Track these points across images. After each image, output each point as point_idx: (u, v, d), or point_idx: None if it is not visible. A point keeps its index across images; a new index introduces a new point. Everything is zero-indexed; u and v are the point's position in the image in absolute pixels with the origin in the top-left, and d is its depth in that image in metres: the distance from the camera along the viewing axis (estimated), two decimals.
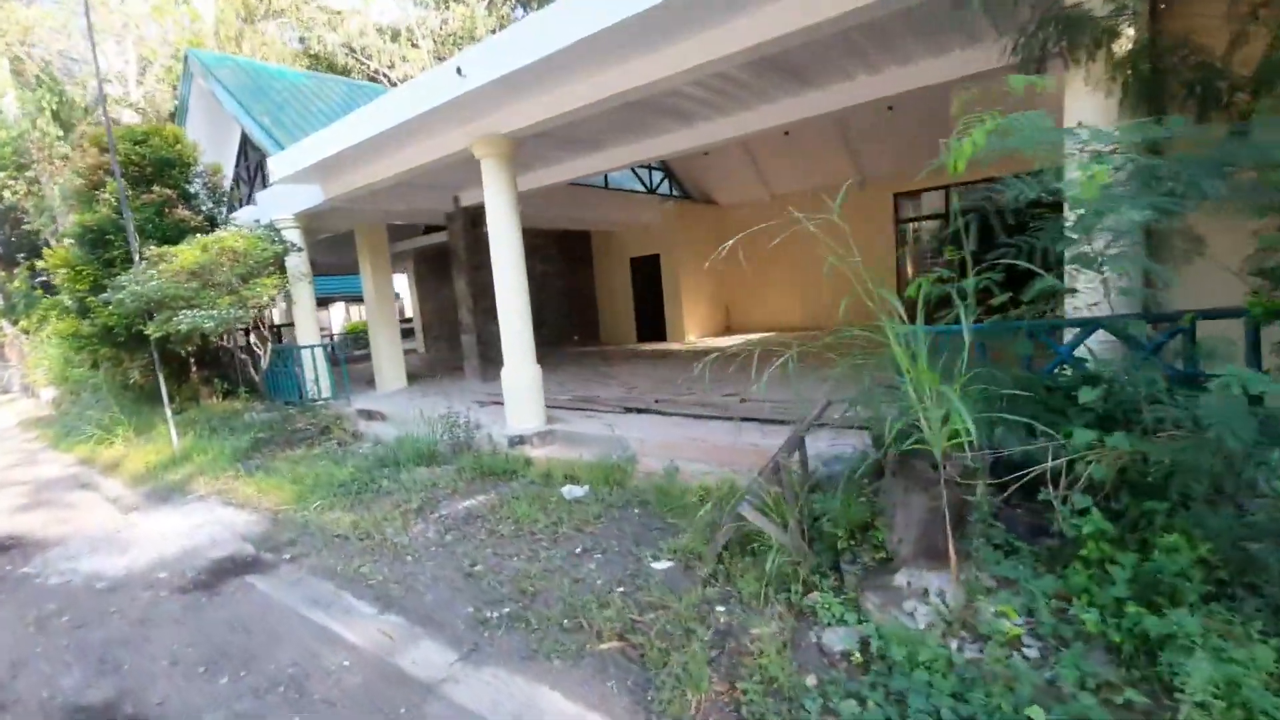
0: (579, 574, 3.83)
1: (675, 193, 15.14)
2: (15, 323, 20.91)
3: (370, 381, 10.97)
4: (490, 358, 10.62)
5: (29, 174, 16.11)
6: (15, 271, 19.98)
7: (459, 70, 5.47)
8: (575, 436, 6.37)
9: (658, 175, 14.76)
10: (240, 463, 7.56)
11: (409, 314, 28.88)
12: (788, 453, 4.37)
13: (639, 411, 6.86)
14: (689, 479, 5.12)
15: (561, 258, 15.72)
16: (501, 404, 8.19)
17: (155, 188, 8.95)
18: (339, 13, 23.64)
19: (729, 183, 14.92)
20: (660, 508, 4.74)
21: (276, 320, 13.41)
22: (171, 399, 10.63)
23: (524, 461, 6.12)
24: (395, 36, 23.17)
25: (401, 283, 25.19)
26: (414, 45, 22.90)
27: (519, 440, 6.43)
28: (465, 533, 4.69)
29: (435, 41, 23.01)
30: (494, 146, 6.37)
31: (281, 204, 9.54)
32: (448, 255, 16.65)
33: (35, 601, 4.29)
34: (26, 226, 24.99)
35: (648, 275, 15.30)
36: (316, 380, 9.34)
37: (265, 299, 8.19)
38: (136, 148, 9.00)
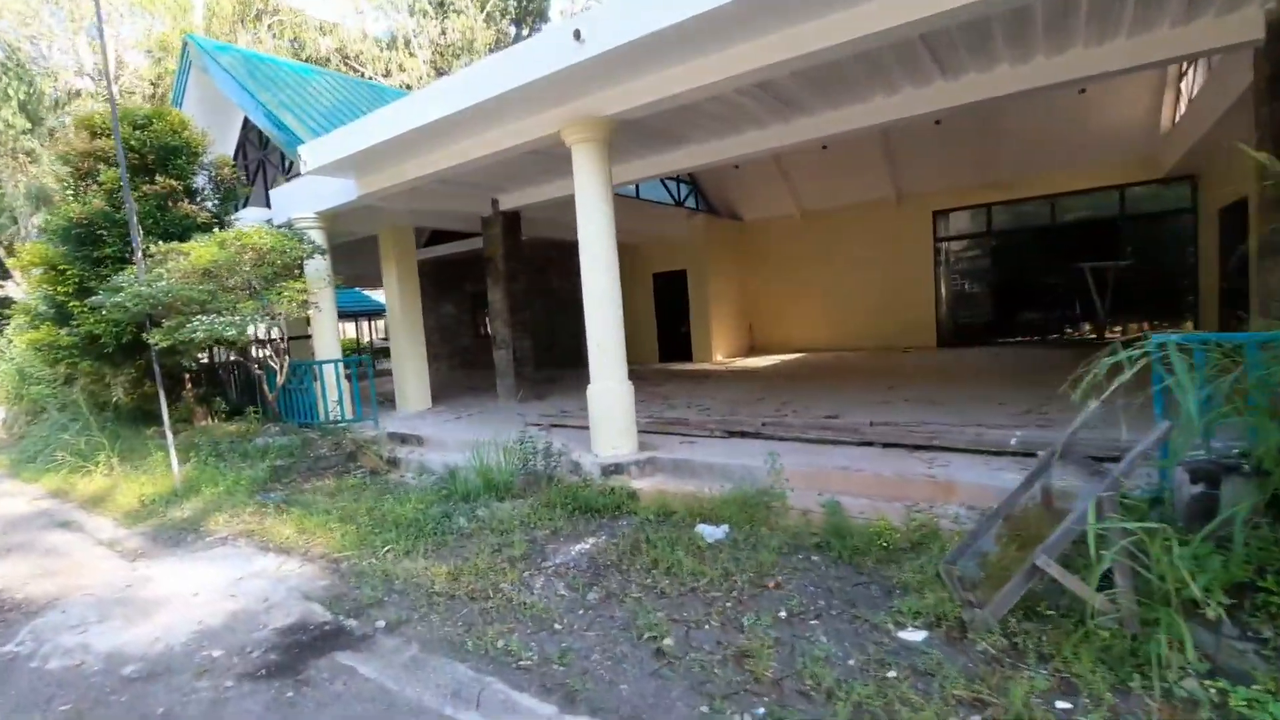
0: (811, 649, 2.90)
1: (700, 207, 14.46)
2: None
3: (385, 402, 9.81)
4: (525, 375, 9.63)
5: None
6: None
7: (577, 34, 4.62)
8: (683, 465, 5.44)
9: (681, 187, 14.07)
10: (259, 495, 6.39)
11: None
12: (1026, 486, 3.57)
13: (744, 435, 5.97)
14: (856, 517, 4.26)
15: (575, 272, 14.80)
16: (563, 426, 7.26)
17: (158, 178, 7.80)
18: (333, 26, 22.64)
19: (757, 198, 14.32)
20: (844, 553, 3.85)
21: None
22: (159, 420, 9.31)
23: (627, 495, 5.16)
24: (392, 43, 22.25)
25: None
26: (411, 54, 22.00)
27: (614, 469, 5.47)
28: (608, 589, 3.71)
29: (435, 52, 22.18)
30: (591, 130, 5.51)
31: (301, 201, 8.45)
32: (452, 268, 15.63)
33: (35, 701, 3.12)
34: None
35: (672, 292, 14.50)
36: (340, 401, 8.18)
37: (293, 305, 7.07)
38: (137, 133, 7.84)
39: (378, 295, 22.71)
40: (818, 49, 4.54)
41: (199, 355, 8.84)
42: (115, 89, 16.41)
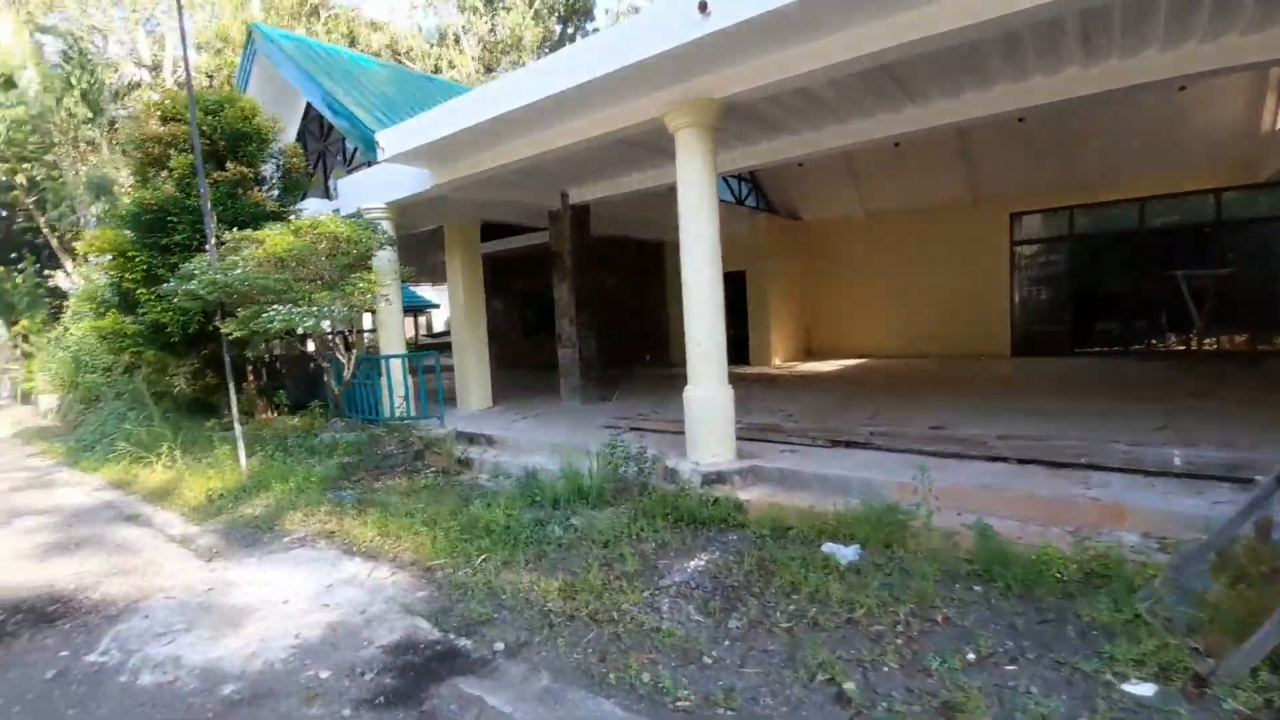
0: (1026, 703, 2.46)
1: (758, 206, 13.99)
2: (13, 323, 19.26)
3: (444, 399, 9.52)
4: (592, 376, 9.27)
5: (49, 158, 14.67)
6: (20, 268, 18.45)
7: (703, 6, 4.23)
8: (790, 476, 5.00)
9: (739, 186, 13.62)
10: (331, 493, 6.11)
11: (438, 328, 27.48)
12: (1245, 516, 3.08)
13: (850, 446, 5.51)
14: (1011, 541, 3.79)
15: (629, 270, 14.37)
16: (642, 430, 6.88)
17: (228, 165, 7.61)
18: (384, 24, 22.69)
19: (819, 197, 13.79)
20: (1012, 584, 3.39)
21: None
22: (219, 412, 9.16)
23: (733, 506, 4.75)
24: (441, 40, 22.21)
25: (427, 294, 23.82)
26: (460, 51, 21.93)
27: (715, 478, 5.05)
28: (748, 615, 3.29)
29: (484, 49, 22.09)
30: (699, 114, 5.12)
31: (371, 191, 8.21)
32: (503, 265, 15.38)
33: None
34: (20, 225, 23.46)
35: (729, 294, 13.99)
36: (406, 397, 7.90)
37: (366, 297, 6.80)
38: (208, 118, 7.67)
39: (423, 291, 22.66)
40: (961, 26, 4.10)
41: (262, 347, 8.66)
42: (173, 79, 16.55)
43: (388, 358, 7.92)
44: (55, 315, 18.72)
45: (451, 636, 3.32)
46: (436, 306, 22.99)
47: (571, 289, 9.07)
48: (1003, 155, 11.31)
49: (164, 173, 7.84)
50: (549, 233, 9.31)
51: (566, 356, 9.24)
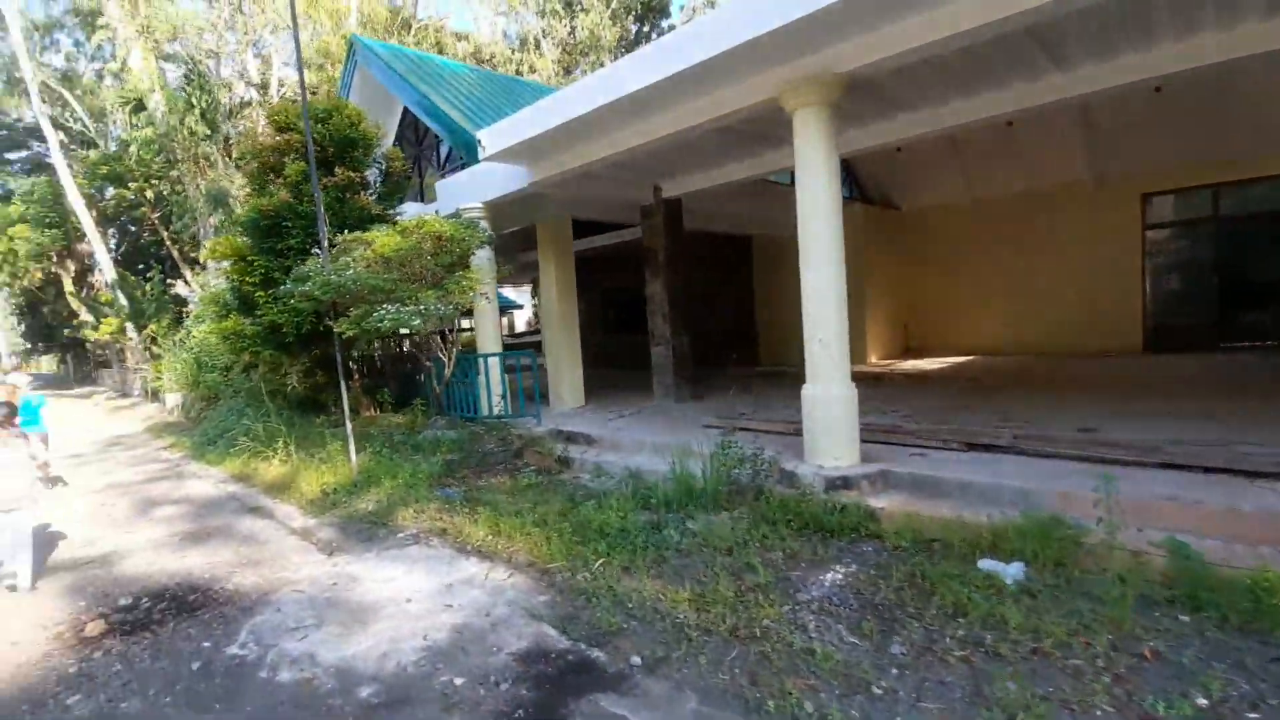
0: None
1: (852, 195, 13.33)
2: (143, 328, 21.01)
3: (532, 398, 9.52)
4: (685, 375, 9.03)
5: (173, 174, 15.85)
6: (149, 276, 20.10)
7: None
8: (925, 482, 4.57)
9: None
10: (438, 490, 6.14)
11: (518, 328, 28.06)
12: None
13: (989, 450, 5.01)
14: (1214, 563, 3.25)
15: (715, 266, 14.00)
16: (747, 430, 6.55)
17: (337, 170, 7.86)
18: (467, 34, 23.34)
19: (920, 184, 13.01)
20: (1230, 616, 2.88)
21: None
22: (327, 410, 9.51)
23: (864, 514, 4.37)
24: (522, 45, 22.64)
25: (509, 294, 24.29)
26: (540, 55, 22.27)
27: (841, 483, 4.69)
28: (911, 639, 2.94)
29: (563, 51, 22.33)
30: (819, 92, 4.77)
31: (468, 191, 8.30)
32: (585, 264, 15.38)
33: None
34: (147, 239, 25.59)
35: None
36: (505, 396, 7.92)
37: (469, 295, 6.83)
38: (318, 126, 7.95)
39: (504, 291, 23.11)
40: None
41: (366, 347, 8.92)
42: (279, 95, 17.59)
43: (485, 356, 7.96)
44: (178, 320, 20.31)
45: (582, 646, 3.14)
46: (520, 307, 23.41)
47: (665, 285, 8.85)
48: (1133, 130, 10.25)
49: (278, 180, 8.19)
50: (641, 228, 9.13)
51: (660, 355, 9.02)
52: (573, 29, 22.61)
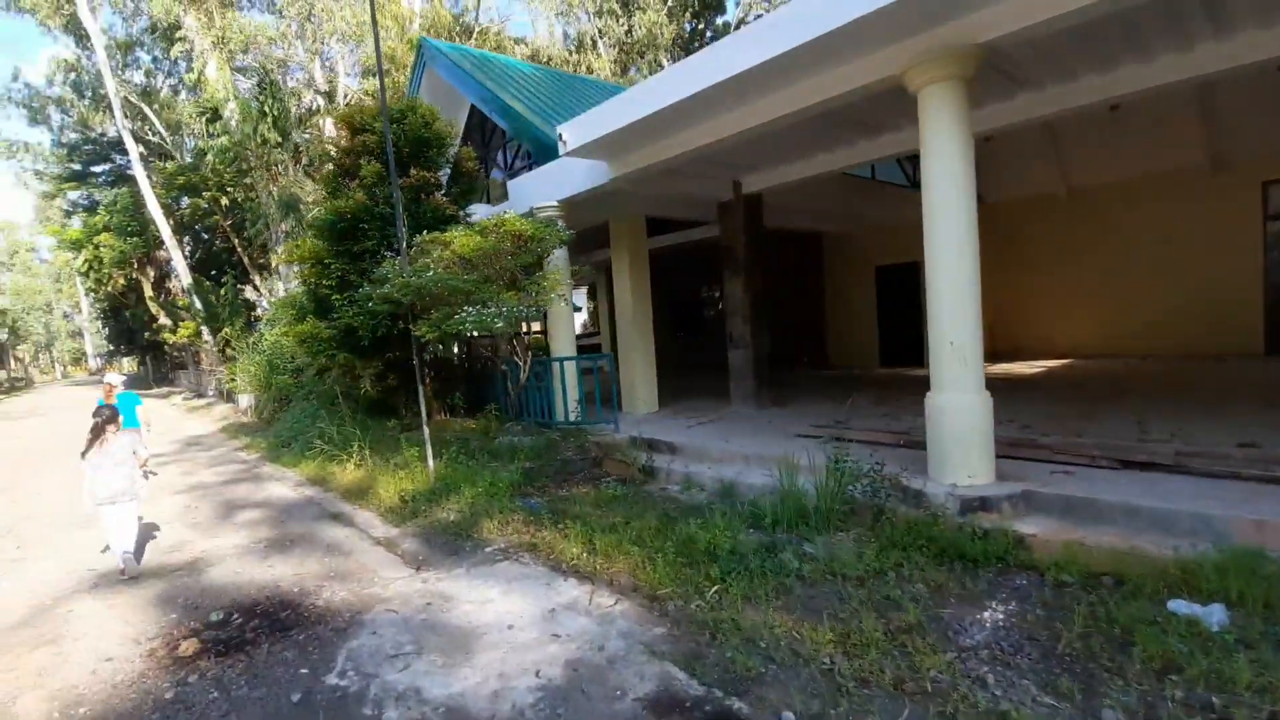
0: None
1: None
2: (217, 330, 21.76)
3: (609, 403, 9.22)
4: (765, 380, 8.57)
5: (246, 181, 16.27)
6: (223, 281, 20.81)
7: None
8: (1081, 506, 4.02)
9: (911, 168, 12.31)
10: (519, 500, 5.88)
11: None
12: None
13: (1146, 468, 4.41)
14: None
15: (784, 265, 13.42)
16: (845, 440, 6.05)
17: (412, 170, 7.73)
18: (522, 38, 23.38)
19: (1008, 175, 12.14)
20: None
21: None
22: (398, 413, 9.43)
23: (1010, 541, 3.86)
24: (580, 46, 22.55)
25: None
26: (598, 55, 22.13)
27: (979, 505, 4.18)
28: (1127, 706, 2.45)
29: (620, 51, 22.13)
30: (952, 66, 4.28)
31: (543, 190, 8.06)
32: (652, 263, 15.08)
33: None
34: (219, 245, 26.59)
35: (899, 287, 12.81)
36: (581, 401, 7.64)
37: (550, 296, 6.57)
38: (393, 126, 7.82)
39: None
40: None
41: (440, 350, 8.80)
42: (345, 103, 17.89)
43: (562, 360, 7.69)
44: (248, 324, 20.99)
45: (718, 694, 2.76)
46: (579, 309, 23.28)
47: (745, 286, 8.42)
48: (1257, 111, 9.27)
49: (353, 183, 8.12)
50: (719, 226, 8.72)
51: (738, 358, 8.59)
52: (630, 28, 22.38)
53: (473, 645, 3.38)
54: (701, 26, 29.76)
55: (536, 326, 11.00)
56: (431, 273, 6.06)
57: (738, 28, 29.26)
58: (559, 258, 7.65)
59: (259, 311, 23.18)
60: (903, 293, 12.79)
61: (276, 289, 25.02)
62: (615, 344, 9.49)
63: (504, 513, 5.49)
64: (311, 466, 8.50)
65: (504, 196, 9.36)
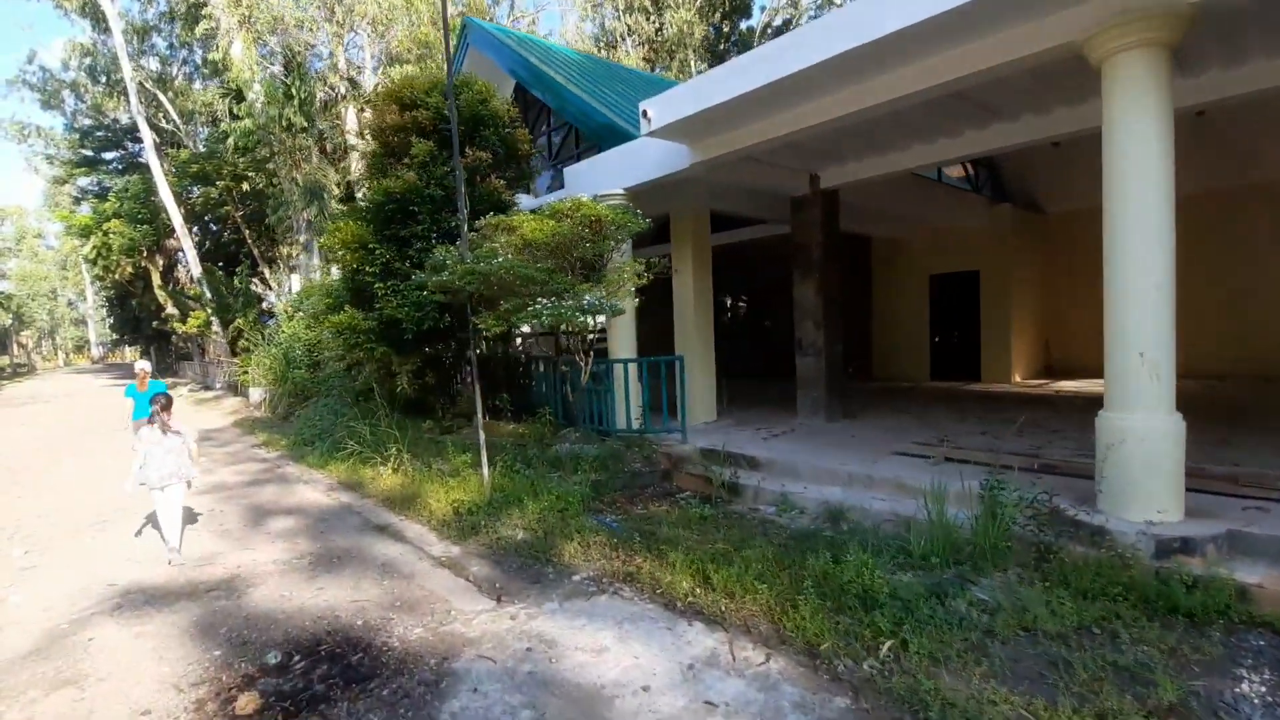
0: None
1: (989, 194, 11.94)
2: (228, 322, 21.13)
3: (675, 410, 8.55)
4: (837, 390, 7.91)
5: (269, 167, 15.65)
6: (236, 271, 20.19)
7: None
8: None
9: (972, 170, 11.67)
10: (593, 517, 5.21)
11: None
12: None
13: None
14: None
15: (847, 268, 12.64)
16: (965, 463, 5.40)
17: (467, 150, 7.08)
18: (550, 32, 22.82)
19: (1076, 182, 11.48)
20: None
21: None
22: (434, 414, 8.77)
23: (1229, 591, 3.20)
24: (610, 43, 21.99)
25: None
26: (627, 53, 21.57)
27: (1180, 545, 3.51)
28: None
29: (650, 49, 21.58)
30: (1155, 28, 3.64)
31: (604, 178, 7.41)
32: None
33: None
34: (228, 237, 26.00)
35: (954, 297, 12.15)
36: (645, 406, 6.97)
37: (630, 287, 5.93)
38: (447, 102, 7.18)
39: None
40: None
41: (490, 347, 8.15)
42: (372, 90, 17.26)
43: (626, 362, 7.03)
44: (261, 317, 20.38)
45: None
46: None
47: (818, 288, 7.77)
48: None
49: (399, 164, 7.48)
50: (791, 222, 8.07)
51: (808, 366, 7.93)
52: (660, 26, 21.86)
53: (606, 715, 2.70)
54: (727, 30, 29.29)
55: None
56: (501, 259, 5.40)
57: (763, 34, 28.86)
58: (623, 251, 6.99)
59: (266, 305, 22.58)
60: (958, 302, 12.13)
61: (287, 283, 24.44)
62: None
63: (581, 533, 4.82)
64: (341, 469, 7.83)
65: (554, 185, 8.71)
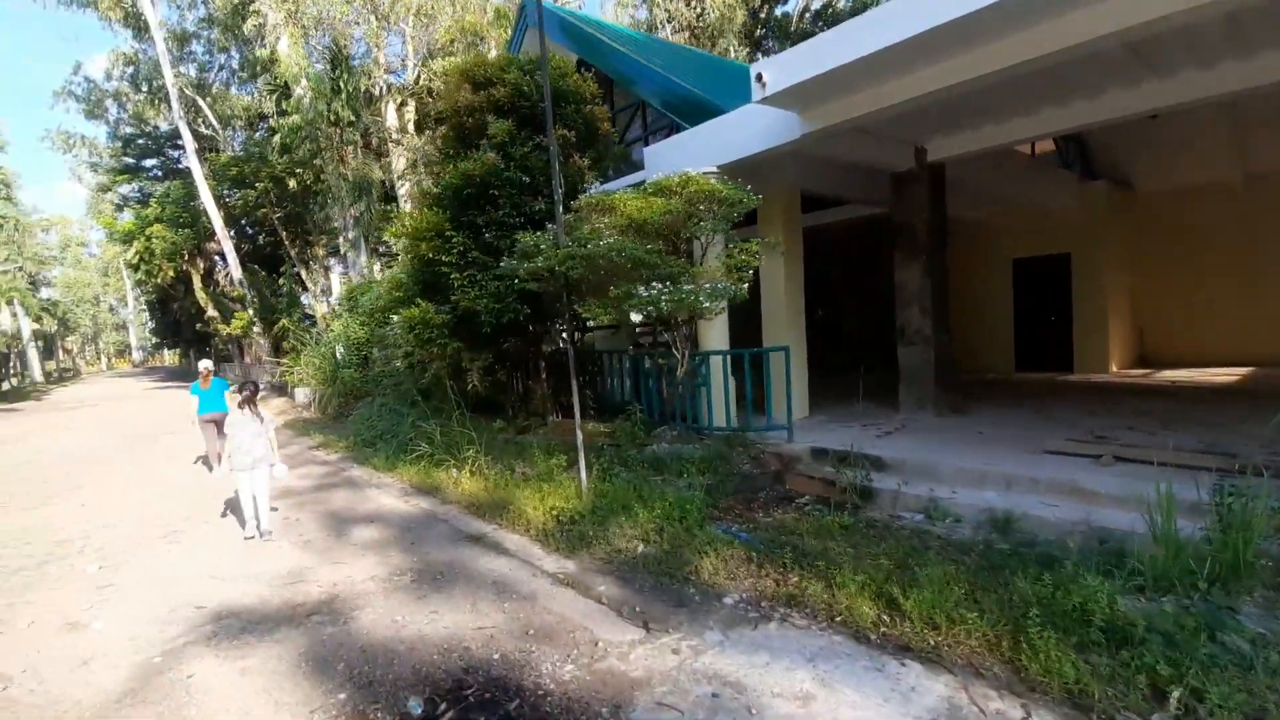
0: None
1: (1082, 171, 11.09)
2: (272, 323, 21.03)
3: (751, 406, 7.95)
4: (947, 382, 7.25)
5: (316, 162, 15.38)
6: (282, 270, 20.07)
7: None
8: None
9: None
10: (717, 528, 4.65)
11: None
12: None
13: None
14: None
15: (885, 255, 11.83)
16: (1135, 462, 4.72)
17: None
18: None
19: (1172, 157, 10.64)
20: None
21: None
22: (504, 412, 8.31)
23: None
24: (651, 29, 21.42)
25: None
26: (667, 39, 20.95)
27: None
28: None
29: (690, 35, 20.95)
30: None
31: (694, 156, 6.78)
32: None
33: None
34: (264, 240, 25.98)
35: (1041, 283, 11.35)
36: (748, 401, 6.39)
37: (749, 271, 5.36)
38: (525, 77, 6.70)
39: None
40: None
41: (561, 339, 7.64)
42: (416, 85, 16.93)
43: (725, 353, 6.45)
44: (304, 317, 20.27)
45: None
46: (746, 297, 22.00)
47: (926, 270, 7.11)
48: None
49: (473, 148, 6.98)
50: (893, 199, 7.42)
51: (913, 356, 7.28)
52: (701, 11, 21.22)
53: None
54: (764, 15, 28.51)
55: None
56: (607, 241, 4.86)
57: (800, 19, 28.05)
58: (717, 239, 6.40)
59: (306, 306, 22.50)
60: (1045, 288, 11.31)
61: (322, 282, 24.32)
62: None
63: (714, 546, 4.26)
64: (412, 472, 7.40)
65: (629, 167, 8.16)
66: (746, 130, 6.24)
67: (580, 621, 3.53)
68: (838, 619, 3.27)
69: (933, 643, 2.95)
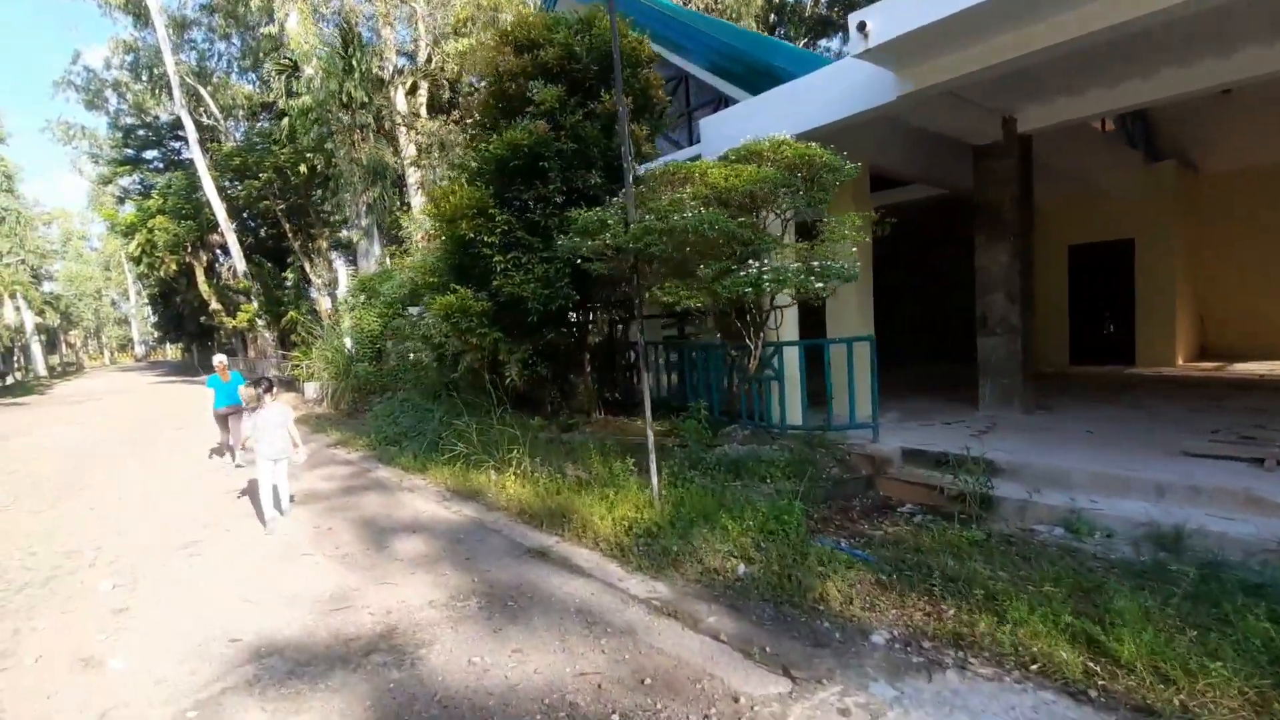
0: None
1: (1146, 151, 10.41)
2: (279, 316, 20.41)
3: (810, 403, 7.30)
4: (1030, 375, 6.63)
5: (326, 147, 14.70)
6: (290, 261, 19.42)
7: None
8: None
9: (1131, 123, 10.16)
10: (822, 542, 4.04)
11: None
12: None
13: None
14: None
15: (940, 238, 11.17)
16: None
17: (602, 94, 5.91)
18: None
19: (1241, 136, 9.91)
20: None
21: None
22: (542, 409, 7.69)
23: None
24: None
25: None
26: None
27: None
28: None
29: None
30: None
31: (763, 126, 6.12)
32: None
33: None
34: (266, 232, 25.30)
35: (1098, 270, 10.71)
36: (830, 398, 5.76)
37: (854, 249, 4.72)
38: (576, 37, 6.05)
39: None
40: None
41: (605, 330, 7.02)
42: (424, 64, 16.23)
43: (801, 344, 5.82)
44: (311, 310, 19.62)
45: None
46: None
47: (1013, 252, 6.47)
48: None
49: (513, 120, 6.33)
50: (976, 175, 6.76)
51: (995, 348, 6.65)
52: None
53: None
54: (778, 1, 27.82)
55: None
56: (692, 213, 4.22)
57: (815, 2, 27.38)
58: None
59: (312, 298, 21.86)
60: (1105, 277, 10.67)
61: (326, 275, 23.65)
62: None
63: (830, 565, 3.65)
64: (446, 473, 6.78)
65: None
66: (829, 93, 5.58)
67: (702, 665, 2.91)
68: (1033, 666, 2.65)
69: (1177, 703, 2.33)
